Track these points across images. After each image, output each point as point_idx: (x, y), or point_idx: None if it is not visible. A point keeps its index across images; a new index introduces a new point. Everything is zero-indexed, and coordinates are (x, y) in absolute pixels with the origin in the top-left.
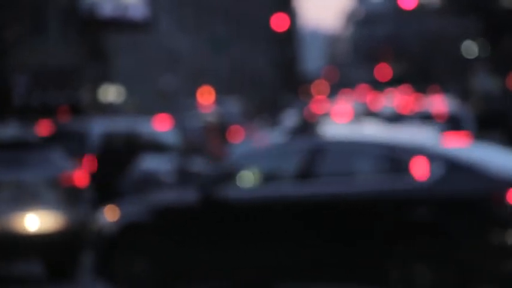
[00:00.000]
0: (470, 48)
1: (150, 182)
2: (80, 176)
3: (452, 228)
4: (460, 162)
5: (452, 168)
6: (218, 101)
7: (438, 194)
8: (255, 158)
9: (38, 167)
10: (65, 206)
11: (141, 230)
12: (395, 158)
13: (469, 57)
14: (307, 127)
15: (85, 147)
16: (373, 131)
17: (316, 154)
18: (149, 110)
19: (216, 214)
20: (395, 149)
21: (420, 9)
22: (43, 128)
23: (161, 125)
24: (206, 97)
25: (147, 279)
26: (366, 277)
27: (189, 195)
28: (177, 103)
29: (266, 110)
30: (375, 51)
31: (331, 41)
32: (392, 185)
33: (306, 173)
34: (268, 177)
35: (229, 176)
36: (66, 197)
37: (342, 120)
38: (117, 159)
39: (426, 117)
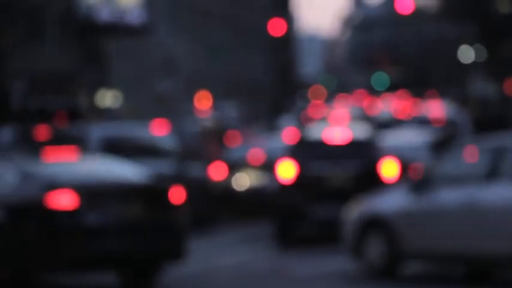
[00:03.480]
0: (467, 53)
1: None
2: None
3: (15, 228)
4: (33, 174)
5: (25, 178)
6: (215, 106)
7: (11, 200)
8: None
9: None
10: None
11: None
12: None
13: (466, 62)
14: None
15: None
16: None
17: None
18: (147, 115)
19: None
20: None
21: (417, 14)
22: (41, 133)
23: (159, 130)
24: (203, 102)
25: None
26: None
27: None
28: (175, 108)
29: (263, 114)
30: (372, 56)
31: (328, 45)
32: None
33: None
34: None
35: None
36: None
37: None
38: None
39: (423, 122)
